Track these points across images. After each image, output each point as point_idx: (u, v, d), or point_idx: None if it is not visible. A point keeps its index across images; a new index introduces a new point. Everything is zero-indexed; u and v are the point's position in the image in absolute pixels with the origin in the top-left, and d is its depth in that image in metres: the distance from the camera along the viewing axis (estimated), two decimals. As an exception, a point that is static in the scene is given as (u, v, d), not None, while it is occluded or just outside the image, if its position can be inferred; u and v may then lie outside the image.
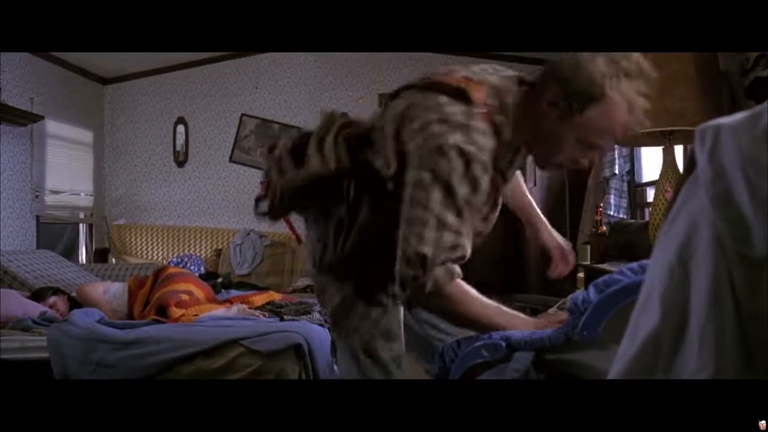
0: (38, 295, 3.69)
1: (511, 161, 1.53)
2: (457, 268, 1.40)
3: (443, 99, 1.42)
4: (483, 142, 1.40)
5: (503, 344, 1.25)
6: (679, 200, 0.84)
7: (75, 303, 3.70)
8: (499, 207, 1.57)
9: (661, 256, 0.83)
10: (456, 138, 1.37)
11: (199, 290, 3.80)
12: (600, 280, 1.22)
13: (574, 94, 1.40)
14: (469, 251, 1.42)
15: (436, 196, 1.36)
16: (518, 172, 1.76)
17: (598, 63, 1.39)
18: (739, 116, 0.75)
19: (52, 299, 3.65)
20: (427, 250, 1.36)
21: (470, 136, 1.38)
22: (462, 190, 1.37)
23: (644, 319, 0.83)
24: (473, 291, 1.43)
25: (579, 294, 1.22)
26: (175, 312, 3.42)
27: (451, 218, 1.37)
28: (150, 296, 3.67)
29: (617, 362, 0.84)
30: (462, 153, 1.36)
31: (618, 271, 1.23)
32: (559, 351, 1.24)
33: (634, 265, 1.22)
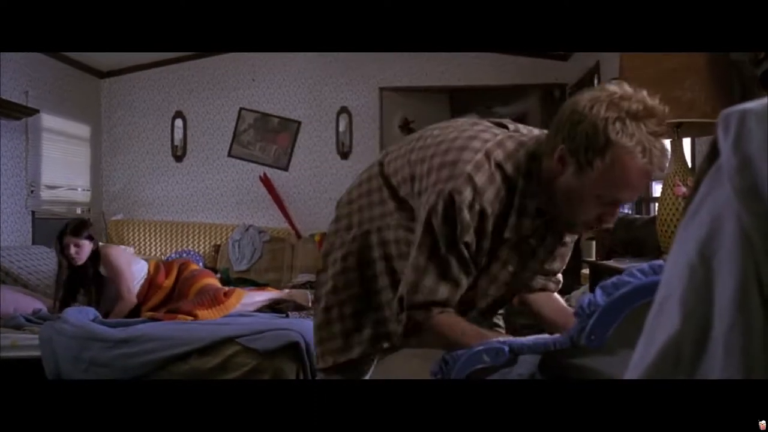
0: (77, 229, 3.60)
1: (535, 230, 1.49)
2: (437, 308, 1.42)
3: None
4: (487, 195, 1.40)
5: (506, 349, 1.20)
6: (700, 193, 0.77)
7: (94, 260, 3.62)
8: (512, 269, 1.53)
9: (681, 254, 0.77)
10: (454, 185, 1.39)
11: None
12: (608, 282, 1.17)
13: (578, 146, 1.31)
14: (451, 297, 1.43)
15: (419, 239, 1.43)
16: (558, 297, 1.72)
17: (597, 108, 1.29)
18: (766, 100, 0.69)
19: (83, 240, 3.57)
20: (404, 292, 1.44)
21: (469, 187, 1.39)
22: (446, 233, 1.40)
23: (662, 324, 0.76)
24: (455, 322, 1.43)
25: (586, 297, 1.17)
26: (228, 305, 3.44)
27: (430, 262, 1.42)
28: (176, 288, 3.61)
29: (633, 370, 0.78)
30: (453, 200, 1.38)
31: (627, 272, 1.18)
32: (565, 356, 1.19)
33: (645, 265, 1.18)
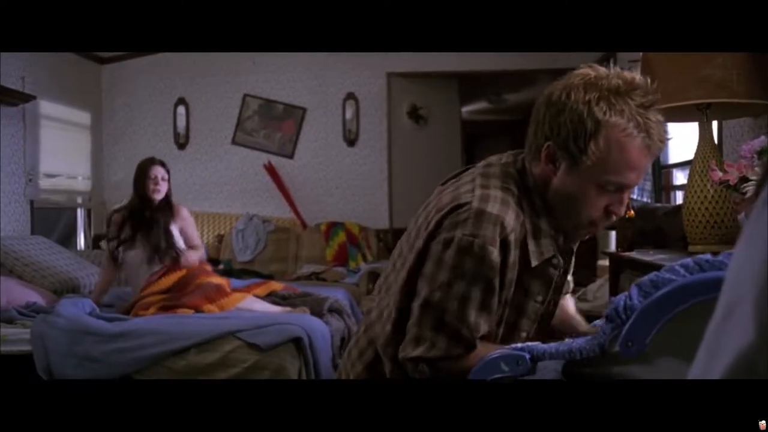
0: (163, 162, 3.71)
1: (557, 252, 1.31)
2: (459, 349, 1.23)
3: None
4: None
5: (527, 356, 1.05)
6: (775, 176, 0.62)
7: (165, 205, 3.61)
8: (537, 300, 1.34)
9: (753, 252, 0.62)
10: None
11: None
12: (645, 279, 1.03)
13: (566, 137, 1.20)
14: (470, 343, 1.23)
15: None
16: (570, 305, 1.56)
17: (575, 94, 1.18)
18: None
19: (167, 175, 3.66)
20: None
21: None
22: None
23: (731, 334, 0.62)
24: (484, 348, 1.22)
25: (620, 298, 1.02)
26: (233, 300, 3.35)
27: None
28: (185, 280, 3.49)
29: (695, 385, 0.65)
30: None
31: (667, 268, 1.03)
32: (593, 365, 1.05)
33: (689, 260, 1.03)
